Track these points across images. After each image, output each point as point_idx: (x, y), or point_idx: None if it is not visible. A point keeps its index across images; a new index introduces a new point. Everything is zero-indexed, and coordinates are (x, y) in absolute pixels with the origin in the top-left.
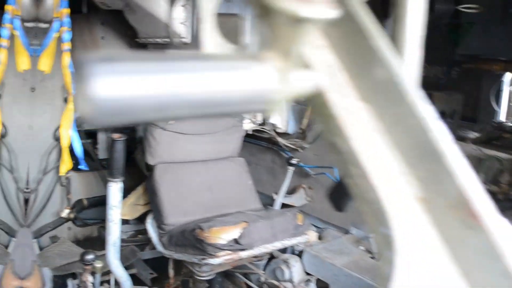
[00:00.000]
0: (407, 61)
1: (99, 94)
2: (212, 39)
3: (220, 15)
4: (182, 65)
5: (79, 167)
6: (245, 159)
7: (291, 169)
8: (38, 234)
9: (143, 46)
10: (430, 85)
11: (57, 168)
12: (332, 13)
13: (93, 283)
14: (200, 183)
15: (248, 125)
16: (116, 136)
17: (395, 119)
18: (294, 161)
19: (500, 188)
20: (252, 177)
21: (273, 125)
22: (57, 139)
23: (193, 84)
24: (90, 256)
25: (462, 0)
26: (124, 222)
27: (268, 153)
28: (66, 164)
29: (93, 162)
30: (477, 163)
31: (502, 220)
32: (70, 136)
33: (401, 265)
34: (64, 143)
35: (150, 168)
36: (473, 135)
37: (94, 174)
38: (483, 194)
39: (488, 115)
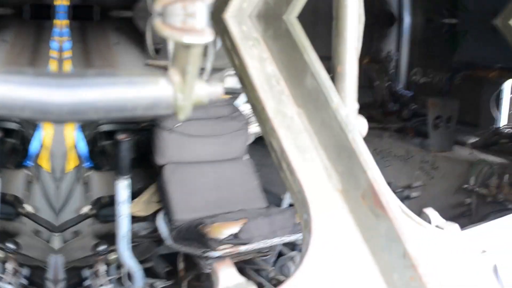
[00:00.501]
0: (346, 69)
1: None
2: None
3: None
4: (99, 80)
5: (86, 165)
6: (257, 161)
7: None
8: (61, 229)
9: (156, 51)
10: (434, 91)
11: (77, 167)
12: (208, 38)
13: (106, 273)
14: (207, 183)
15: (256, 128)
16: (121, 137)
17: (322, 122)
18: None
19: (489, 191)
20: (264, 178)
21: None
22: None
23: (111, 95)
24: (102, 248)
25: (457, 10)
26: (143, 219)
27: None
28: (70, 161)
29: (113, 161)
30: (469, 166)
31: (403, 210)
32: (74, 136)
33: (316, 245)
34: (69, 143)
35: (159, 168)
36: (473, 140)
37: (108, 174)
38: (387, 188)
39: (488, 120)
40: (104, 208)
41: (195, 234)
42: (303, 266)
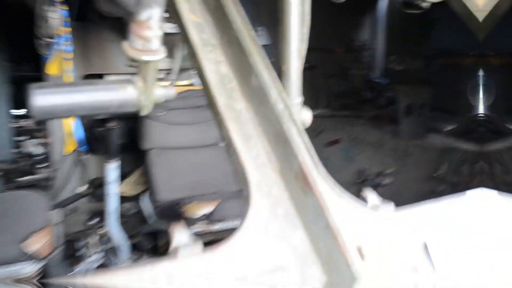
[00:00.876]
0: (291, 68)
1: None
2: None
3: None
4: (85, 87)
5: (81, 148)
6: None
7: None
8: (61, 206)
9: None
10: (411, 78)
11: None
12: (161, 56)
13: (97, 244)
14: (187, 166)
15: None
16: (111, 124)
17: (264, 115)
18: None
19: (461, 179)
20: None
21: None
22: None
23: (92, 98)
24: (93, 221)
25: None
26: (131, 199)
27: None
28: (71, 145)
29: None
30: (441, 154)
31: (335, 190)
32: (71, 123)
33: (254, 215)
34: (67, 129)
35: (145, 152)
36: (450, 127)
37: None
38: (317, 169)
39: (467, 108)
40: (100, 188)
41: (173, 212)
42: (239, 233)
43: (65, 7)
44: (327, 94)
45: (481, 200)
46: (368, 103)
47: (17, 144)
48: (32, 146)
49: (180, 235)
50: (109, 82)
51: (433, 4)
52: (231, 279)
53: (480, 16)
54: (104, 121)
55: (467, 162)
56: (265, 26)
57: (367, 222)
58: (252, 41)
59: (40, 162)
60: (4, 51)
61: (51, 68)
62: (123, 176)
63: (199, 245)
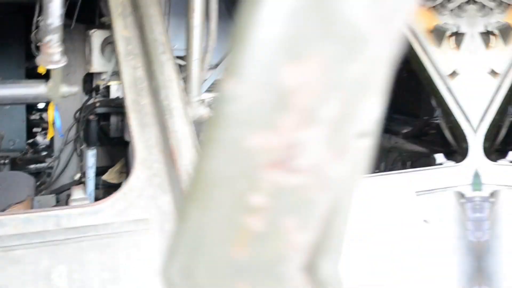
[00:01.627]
0: (192, 74)
1: None
2: (97, 60)
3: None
4: (11, 84)
5: (60, 136)
6: None
7: None
8: (58, 191)
9: None
10: None
11: (73, 141)
12: (59, 65)
13: None
14: None
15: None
16: (91, 117)
17: (158, 109)
18: None
19: None
20: None
21: None
22: (76, 119)
23: (15, 92)
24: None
25: None
26: (116, 186)
27: None
28: (50, 133)
29: (106, 139)
30: (383, 153)
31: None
32: (54, 114)
33: (134, 182)
34: (50, 119)
35: (127, 144)
36: (406, 129)
37: (105, 148)
38: (186, 145)
39: (429, 111)
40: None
41: None
42: (117, 194)
43: None
44: None
45: None
46: None
47: (30, 135)
48: (41, 137)
49: (77, 193)
50: (29, 81)
51: None
52: (101, 221)
53: None
54: (107, 116)
55: (400, 160)
56: None
57: None
58: (158, 52)
59: (45, 151)
60: (21, 48)
61: (41, 66)
62: (112, 166)
63: (87, 200)
